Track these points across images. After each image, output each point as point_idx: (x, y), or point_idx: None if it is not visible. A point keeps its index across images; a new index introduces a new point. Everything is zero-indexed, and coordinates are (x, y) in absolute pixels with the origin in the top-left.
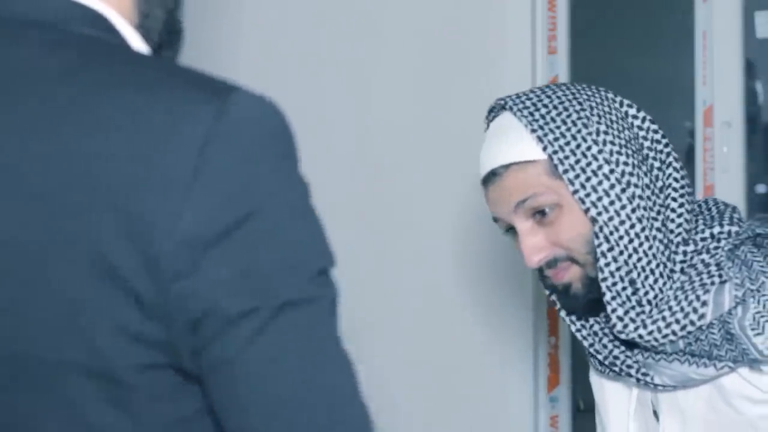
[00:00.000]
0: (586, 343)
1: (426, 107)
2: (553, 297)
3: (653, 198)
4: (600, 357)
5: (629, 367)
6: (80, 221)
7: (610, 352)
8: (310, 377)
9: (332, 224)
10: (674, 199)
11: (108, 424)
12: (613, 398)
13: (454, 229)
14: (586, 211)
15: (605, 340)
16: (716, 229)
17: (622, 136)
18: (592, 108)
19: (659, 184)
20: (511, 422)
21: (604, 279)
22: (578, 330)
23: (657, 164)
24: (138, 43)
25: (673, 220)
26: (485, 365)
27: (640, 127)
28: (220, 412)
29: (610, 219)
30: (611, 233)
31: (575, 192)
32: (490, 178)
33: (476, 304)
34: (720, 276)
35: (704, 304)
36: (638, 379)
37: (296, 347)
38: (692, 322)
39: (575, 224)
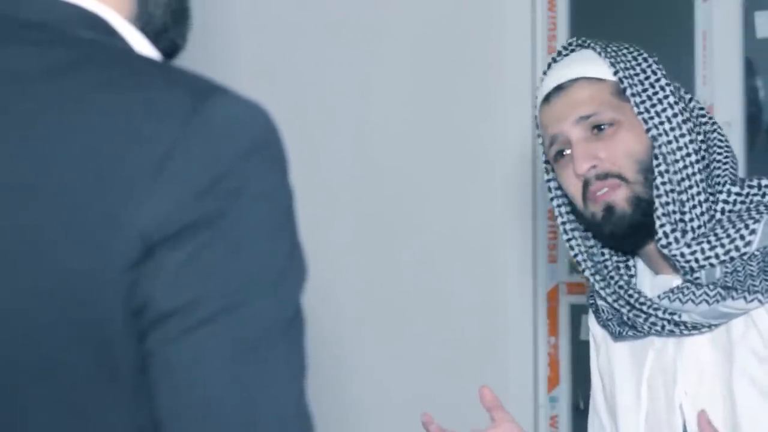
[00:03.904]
0: (610, 299)
1: (426, 108)
2: (577, 252)
3: (702, 137)
4: (625, 305)
5: (656, 309)
6: (47, 219)
7: (636, 300)
8: (232, 391)
9: (332, 225)
10: (719, 142)
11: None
12: (625, 368)
13: (454, 229)
14: (648, 131)
15: (630, 290)
16: (764, 181)
17: (674, 82)
18: (655, 58)
19: (705, 128)
20: None
21: (659, 195)
22: (605, 286)
23: (690, 103)
24: (138, 42)
25: (719, 161)
26: (485, 365)
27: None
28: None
29: (669, 143)
30: (669, 154)
31: (640, 113)
32: (554, 93)
33: (476, 304)
34: None
35: (753, 232)
36: (666, 321)
37: (221, 358)
38: (737, 248)
39: (632, 142)
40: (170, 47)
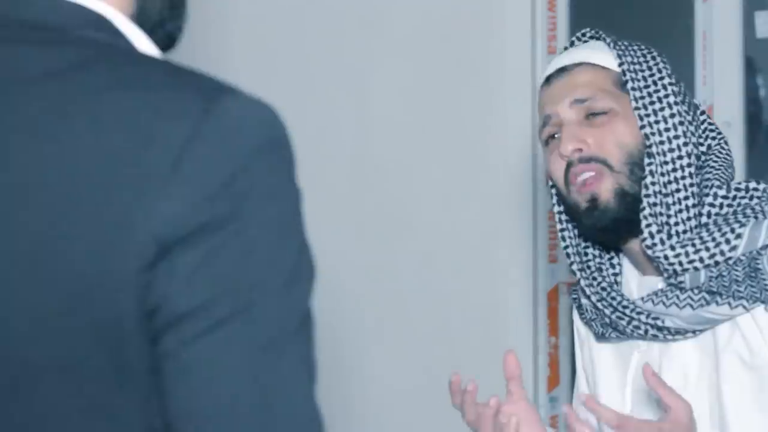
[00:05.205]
0: (594, 298)
1: (426, 108)
2: (568, 245)
3: (699, 141)
4: (608, 306)
5: (639, 314)
6: (60, 221)
7: (619, 303)
8: (248, 391)
9: (331, 224)
10: (719, 152)
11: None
12: (609, 369)
13: (454, 229)
14: (642, 128)
15: (614, 293)
16: (752, 185)
17: (682, 85)
18: (664, 58)
19: (709, 142)
20: None
21: (648, 195)
22: (589, 284)
23: (701, 115)
24: (141, 41)
25: (712, 167)
26: (485, 365)
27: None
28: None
29: (662, 143)
30: (659, 155)
31: (636, 109)
32: (556, 75)
33: (476, 304)
34: (757, 216)
35: (738, 236)
36: (649, 326)
37: (238, 358)
38: (722, 252)
39: (624, 133)
40: (166, 40)
